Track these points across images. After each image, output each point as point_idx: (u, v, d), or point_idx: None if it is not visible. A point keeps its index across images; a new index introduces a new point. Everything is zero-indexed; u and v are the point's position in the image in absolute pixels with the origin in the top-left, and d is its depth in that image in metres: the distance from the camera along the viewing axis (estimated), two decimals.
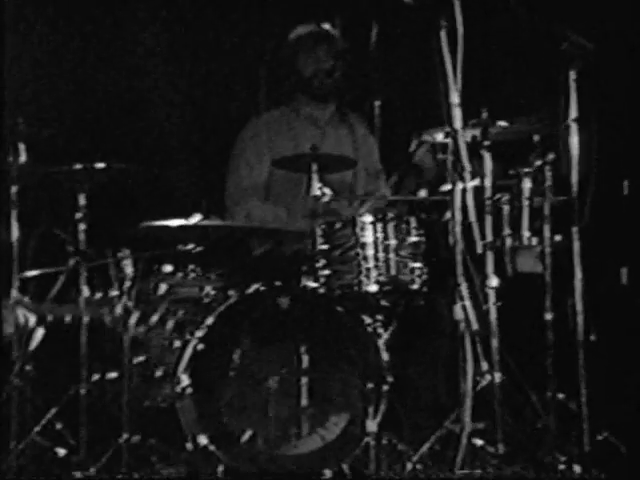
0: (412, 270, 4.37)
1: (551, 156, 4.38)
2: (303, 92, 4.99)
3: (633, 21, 5.08)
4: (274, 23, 5.31)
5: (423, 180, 4.72)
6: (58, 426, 4.32)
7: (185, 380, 4.15)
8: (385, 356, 4.26)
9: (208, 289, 4.42)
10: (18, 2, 4.91)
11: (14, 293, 4.13)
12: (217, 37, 5.51)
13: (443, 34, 3.79)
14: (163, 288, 4.41)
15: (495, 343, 4.18)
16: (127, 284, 4.33)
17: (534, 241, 4.39)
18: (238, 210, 4.88)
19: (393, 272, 4.35)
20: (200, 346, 4.17)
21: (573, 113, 4.04)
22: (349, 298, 4.34)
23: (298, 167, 4.52)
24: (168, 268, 4.44)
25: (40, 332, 4.41)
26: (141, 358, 4.34)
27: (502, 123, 4.43)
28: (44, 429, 4.29)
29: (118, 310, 4.19)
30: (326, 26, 5.02)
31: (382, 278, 4.34)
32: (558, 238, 4.36)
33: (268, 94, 5.15)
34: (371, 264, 4.34)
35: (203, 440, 4.09)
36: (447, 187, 4.14)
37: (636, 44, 5.03)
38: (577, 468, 4.04)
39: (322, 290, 4.36)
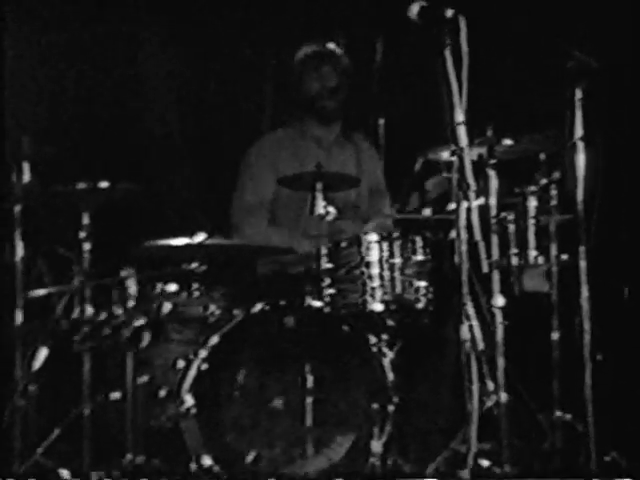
0: (417, 289, 4.36)
1: (557, 174, 4.38)
2: (308, 112, 5.00)
3: (638, 40, 5.09)
4: (279, 41, 5.32)
5: (428, 199, 4.72)
6: (62, 447, 4.30)
7: (189, 400, 4.14)
8: (391, 376, 4.24)
9: (213, 308, 4.41)
10: (18, 21, 4.91)
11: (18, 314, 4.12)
12: (222, 55, 5.52)
13: (448, 52, 3.79)
14: (167, 307, 4.40)
15: (501, 363, 4.17)
16: (131, 303, 4.32)
17: (540, 260, 4.38)
18: (243, 229, 4.88)
19: (398, 291, 4.34)
20: (204, 366, 4.16)
21: (579, 132, 4.03)
22: (354, 317, 4.33)
23: (302, 186, 4.52)
24: (172, 287, 4.43)
25: (44, 352, 4.40)
26: (145, 378, 4.32)
27: (508, 141, 4.43)
28: (48, 450, 4.27)
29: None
30: (330, 45, 5.03)
31: (387, 297, 4.33)
32: (565, 257, 4.35)
33: (273, 113, 5.15)
34: (376, 283, 4.33)
35: (207, 461, 4.08)
36: (452, 206, 4.13)
37: None
38: None
39: (327, 309, 4.35)
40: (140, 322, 4.28)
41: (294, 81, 5.00)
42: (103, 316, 4.30)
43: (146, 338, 4.26)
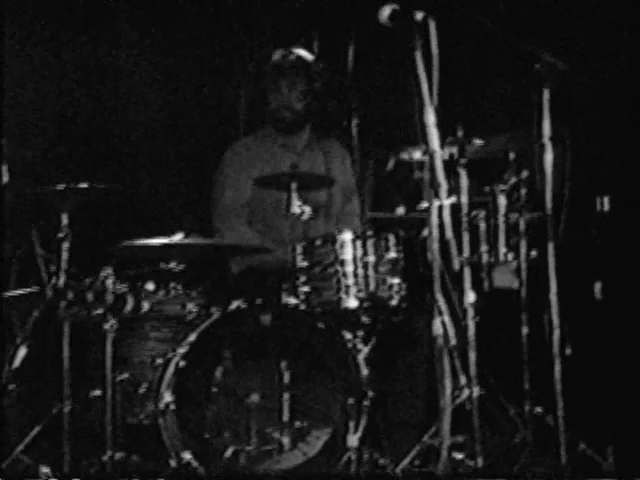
0: (391, 286, 4.42)
1: (526, 173, 4.46)
2: (270, 124, 5.05)
3: (606, 41, 5.17)
4: (254, 44, 5.36)
5: (401, 197, 4.79)
6: (41, 444, 4.34)
7: (168, 397, 4.19)
8: (365, 371, 4.30)
9: (190, 306, 4.46)
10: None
11: None
12: (200, 57, 5.55)
13: (419, 55, 3.84)
14: (146, 306, 4.45)
15: (473, 357, 4.24)
16: (109, 302, 4.36)
17: (510, 257, 4.46)
18: (223, 231, 4.93)
19: (372, 288, 4.40)
20: (182, 363, 4.21)
21: (547, 132, 4.11)
22: (329, 314, 4.38)
23: (278, 186, 4.58)
24: (150, 286, 4.48)
25: (23, 351, 4.44)
26: (124, 375, 4.37)
27: (478, 141, 4.51)
28: (28, 447, 4.30)
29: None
30: (296, 52, 5.02)
31: (361, 294, 4.39)
32: (534, 254, 4.43)
33: (248, 117, 5.19)
34: (350, 281, 4.39)
35: (186, 456, 4.13)
36: (424, 204, 4.19)
37: (610, 64, 5.11)
38: None
39: (302, 307, 4.40)
40: (123, 288, 4.31)
41: (260, 91, 5.05)
42: (87, 282, 4.30)
43: (130, 303, 4.28)
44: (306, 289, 4.42)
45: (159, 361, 4.30)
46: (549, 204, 4.11)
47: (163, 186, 5.51)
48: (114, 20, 5.47)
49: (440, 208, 3.92)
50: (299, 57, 5.01)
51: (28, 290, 4.48)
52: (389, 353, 4.58)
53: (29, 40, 5.21)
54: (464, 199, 4.40)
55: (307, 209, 4.46)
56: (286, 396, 4.25)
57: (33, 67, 5.24)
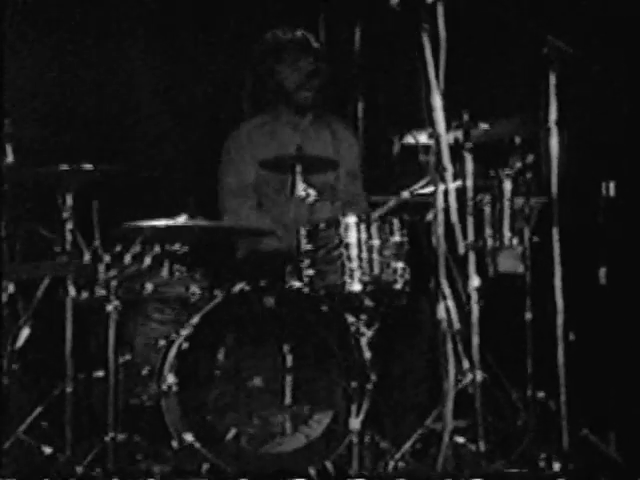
0: (395, 270, 4.42)
1: (531, 158, 4.45)
2: (284, 103, 5.03)
3: (613, 26, 5.15)
4: (259, 26, 5.34)
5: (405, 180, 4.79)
6: (44, 424, 4.35)
7: (170, 379, 4.19)
8: (368, 355, 4.31)
9: (194, 288, 4.46)
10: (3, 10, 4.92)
11: None
12: (204, 41, 5.53)
13: (425, 37, 3.83)
14: (149, 288, 4.44)
15: (476, 342, 4.24)
16: (113, 283, 4.36)
17: (515, 242, 4.46)
18: (229, 212, 4.92)
19: (376, 272, 4.40)
20: (185, 345, 4.21)
21: (553, 116, 4.09)
22: (333, 298, 4.38)
23: (283, 168, 4.57)
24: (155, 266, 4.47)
25: (26, 331, 4.44)
26: (127, 357, 4.37)
27: (483, 125, 4.49)
28: (30, 427, 4.31)
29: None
30: (299, 33, 5.03)
31: (365, 278, 4.38)
32: (535, 239, 4.43)
33: (253, 99, 5.17)
34: (355, 264, 4.39)
35: (188, 438, 4.13)
36: (430, 188, 4.19)
37: (617, 48, 5.09)
38: (556, 465, 4.10)
39: (306, 290, 4.40)
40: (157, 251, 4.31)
41: (267, 70, 5.02)
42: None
43: (165, 269, 4.25)
44: (310, 272, 4.42)
45: (162, 343, 4.30)
46: (554, 189, 4.10)
47: (167, 168, 5.50)
48: (115, 7, 5.45)
49: (445, 192, 3.92)
50: (306, 36, 5.01)
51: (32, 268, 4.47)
52: (392, 337, 4.58)
53: (31, 24, 5.20)
54: (469, 183, 4.38)
55: (312, 192, 4.46)
56: (288, 379, 4.26)
57: (36, 49, 5.22)
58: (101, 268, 3.95)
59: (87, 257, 3.82)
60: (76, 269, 4.12)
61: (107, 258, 3.94)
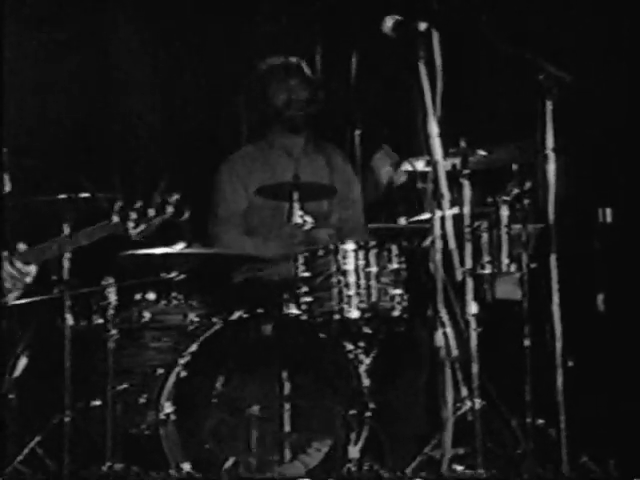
0: (393, 297, 4.42)
1: (528, 184, 4.46)
2: (275, 123, 5.05)
3: (610, 52, 5.18)
4: (255, 53, 5.37)
5: (379, 186, 4.80)
6: (41, 453, 4.33)
7: (168, 407, 4.19)
8: (367, 382, 4.30)
9: (191, 316, 4.46)
10: None
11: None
12: (200, 66, 5.56)
13: (422, 65, 3.85)
14: (147, 316, 4.44)
15: (475, 369, 4.23)
16: (110, 312, 4.36)
17: (512, 268, 4.46)
18: (220, 240, 4.93)
19: (374, 299, 4.40)
20: (183, 373, 4.21)
21: (550, 143, 4.10)
22: (331, 325, 4.38)
23: (280, 195, 4.58)
24: (151, 296, 4.48)
25: (24, 360, 4.43)
26: (125, 385, 4.36)
27: (481, 152, 4.51)
28: (27, 457, 4.30)
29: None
30: (293, 59, 5.08)
31: (363, 305, 4.39)
32: (534, 265, 4.43)
33: (248, 124, 5.19)
34: (352, 291, 4.39)
35: (186, 467, 4.12)
36: (427, 215, 4.20)
37: (613, 75, 5.12)
38: None
39: (304, 317, 4.40)
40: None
41: (259, 91, 5.06)
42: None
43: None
44: (308, 299, 4.42)
45: (160, 371, 4.30)
46: (551, 215, 4.11)
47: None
48: (114, 26, 5.47)
49: (443, 219, 3.93)
50: (299, 62, 5.05)
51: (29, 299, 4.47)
52: (391, 364, 4.58)
53: (28, 48, 5.21)
54: (467, 210, 4.39)
55: (309, 219, 4.47)
56: (287, 407, 4.25)
57: (31, 77, 5.23)
58: (131, 225, 3.90)
59: (115, 219, 3.79)
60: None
61: (134, 215, 3.90)
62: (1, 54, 4.51)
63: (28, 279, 3.79)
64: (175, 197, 3.89)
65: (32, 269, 3.78)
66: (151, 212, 3.80)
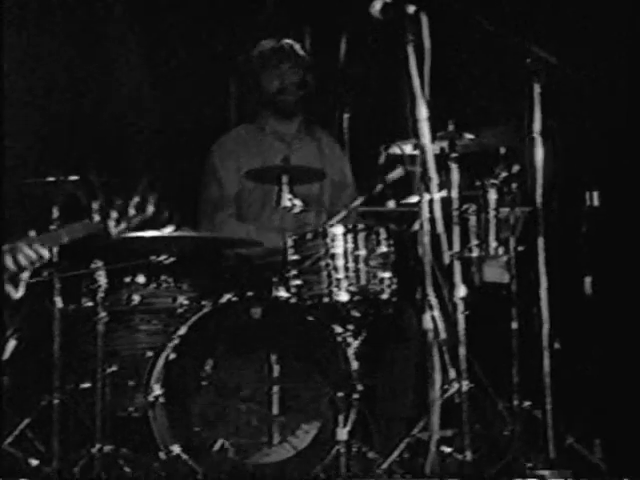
0: (382, 280, 4.43)
1: (516, 168, 4.47)
2: (267, 108, 5.05)
3: (598, 36, 5.18)
4: (245, 36, 5.36)
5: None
6: (30, 436, 4.34)
7: (157, 390, 4.19)
8: (355, 365, 4.31)
9: (181, 299, 4.47)
10: None
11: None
12: (190, 52, 5.55)
13: (410, 48, 3.85)
14: (136, 299, 4.45)
15: (463, 352, 4.25)
16: (100, 295, 4.36)
17: (500, 251, 4.47)
18: (209, 224, 4.93)
19: (363, 282, 4.41)
20: (172, 356, 4.22)
21: (537, 126, 4.11)
22: (320, 308, 4.39)
23: (269, 179, 4.58)
24: (141, 279, 4.48)
25: (12, 343, 4.43)
26: (114, 368, 4.37)
27: (469, 136, 4.52)
28: (16, 440, 4.30)
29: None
30: (287, 41, 5.08)
31: (352, 288, 4.40)
32: (521, 249, 4.45)
33: (238, 109, 5.19)
34: (341, 274, 4.40)
35: (176, 449, 4.13)
36: (415, 198, 4.21)
37: (601, 59, 5.12)
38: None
39: (293, 300, 4.41)
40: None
41: (252, 76, 5.05)
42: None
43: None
44: (297, 282, 4.43)
45: (149, 354, 4.30)
46: (539, 198, 4.12)
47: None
48: (107, 14, 5.46)
49: (431, 202, 3.94)
50: (291, 44, 5.04)
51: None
52: (379, 347, 4.59)
53: (16, 33, 5.19)
54: (455, 193, 4.40)
55: (298, 202, 4.47)
56: (275, 389, 4.26)
57: (21, 59, 5.22)
58: (111, 224, 3.90)
59: (96, 218, 3.80)
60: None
61: (114, 214, 3.91)
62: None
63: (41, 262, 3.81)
64: (155, 196, 3.89)
65: (46, 252, 3.80)
66: (131, 211, 3.81)
